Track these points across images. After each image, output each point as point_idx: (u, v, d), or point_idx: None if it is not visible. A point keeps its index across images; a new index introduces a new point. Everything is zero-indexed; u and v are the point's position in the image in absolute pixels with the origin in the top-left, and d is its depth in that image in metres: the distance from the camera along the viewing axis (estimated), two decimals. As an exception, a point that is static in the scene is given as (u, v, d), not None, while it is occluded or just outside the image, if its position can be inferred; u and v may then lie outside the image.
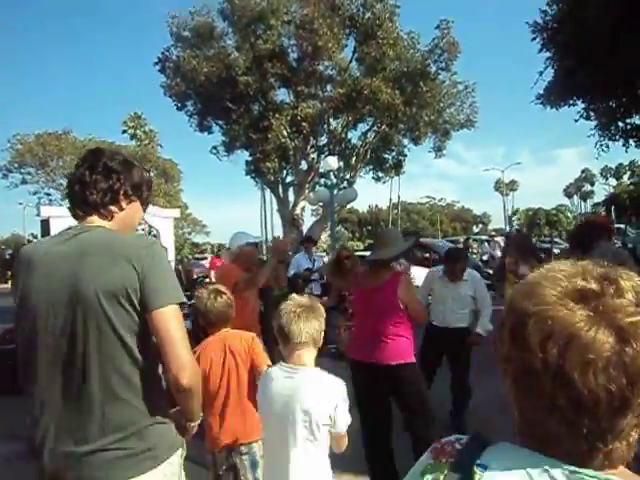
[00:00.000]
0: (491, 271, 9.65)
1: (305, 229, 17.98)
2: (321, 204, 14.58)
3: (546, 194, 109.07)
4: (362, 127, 19.20)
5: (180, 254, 26.11)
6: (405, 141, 20.10)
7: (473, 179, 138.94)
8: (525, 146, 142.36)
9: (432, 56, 17.57)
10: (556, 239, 24.11)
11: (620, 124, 13.46)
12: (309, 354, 1.97)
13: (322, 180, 12.29)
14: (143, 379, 1.49)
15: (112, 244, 1.52)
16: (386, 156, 20.43)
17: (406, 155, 20.83)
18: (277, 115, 16.76)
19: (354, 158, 18.87)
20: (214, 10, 17.62)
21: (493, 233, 25.62)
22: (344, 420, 1.90)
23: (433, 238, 33.69)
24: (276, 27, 16.57)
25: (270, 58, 16.52)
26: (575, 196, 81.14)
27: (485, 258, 16.69)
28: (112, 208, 1.65)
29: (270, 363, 2.71)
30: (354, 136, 19.46)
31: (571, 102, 13.25)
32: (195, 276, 13.42)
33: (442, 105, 18.58)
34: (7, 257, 8.84)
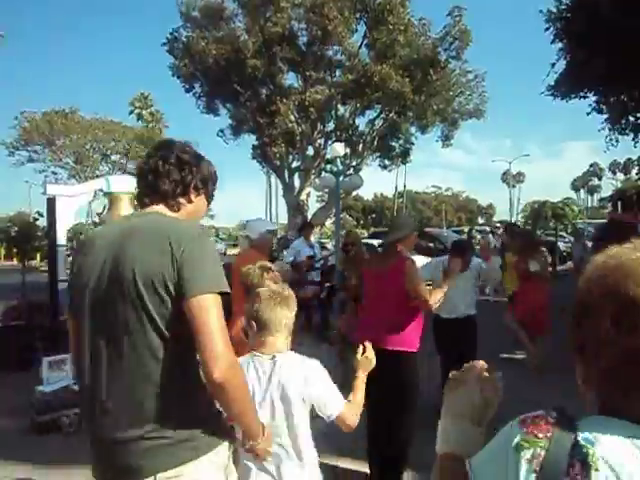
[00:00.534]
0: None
1: (310, 215, 17.96)
2: (326, 190, 14.54)
3: (553, 187, 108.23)
4: (370, 114, 19.11)
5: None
6: (413, 129, 19.99)
7: (480, 170, 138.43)
8: (533, 138, 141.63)
9: (443, 44, 17.38)
10: (561, 232, 23.99)
11: (631, 118, 13.33)
12: (285, 341, 1.91)
13: (328, 166, 12.18)
14: (183, 368, 1.46)
15: (159, 230, 1.51)
16: (393, 144, 20.31)
17: (413, 143, 20.75)
18: (285, 100, 16.66)
19: (361, 145, 18.78)
20: (224, -9, 17.46)
21: (498, 225, 25.52)
22: (335, 401, 1.85)
23: (438, 228, 33.60)
24: (286, 10, 16.41)
25: (279, 41, 16.39)
26: (582, 190, 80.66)
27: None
28: (181, 200, 1.67)
29: None
30: (362, 123, 19.38)
31: (582, 94, 13.10)
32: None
33: (451, 94, 18.43)
34: (13, 234, 8.92)
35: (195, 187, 1.69)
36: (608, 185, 68.24)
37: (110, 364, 1.46)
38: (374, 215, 65.13)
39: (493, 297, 9.01)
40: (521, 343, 5.84)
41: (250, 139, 19.52)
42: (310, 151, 18.79)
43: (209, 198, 1.79)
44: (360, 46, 17.79)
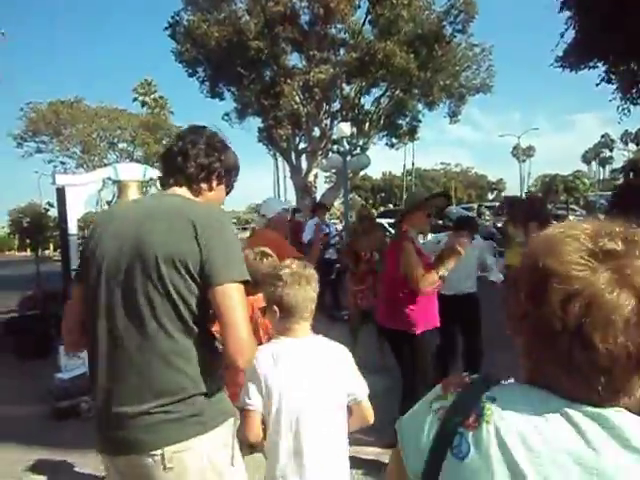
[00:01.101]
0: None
1: (318, 196, 17.93)
2: (334, 171, 14.50)
3: (563, 160, 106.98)
4: (376, 92, 18.86)
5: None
6: (419, 106, 19.73)
7: (489, 145, 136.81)
8: (542, 111, 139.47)
9: (448, 17, 17.04)
10: (572, 206, 23.77)
11: (643, 87, 13.05)
12: (308, 324, 1.88)
13: (335, 147, 12.16)
14: (197, 347, 1.48)
15: (181, 210, 1.54)
16: (400, 122, 20.08)
17: (420, 121, 20.49)
18: (289, 81, 16.50)
19: (367, 124, 18.60)
20: (224, -29, 17.19)
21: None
22: (363, 387, 1.86)
23: (448, 205, 33.32)
24: (288, -12, 16.14)
25: (282, 21, 16.16)
26: (594, 162, 79.53)
27: (499, 225, 16.58)
28: (203, 185, 1.71)
29: None
30: (367, 102, 19.16)
31: (591, 65, 12.83)
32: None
33: (458, 69, 18.13)
34: (25, 225, 8.98)
35: (219, 175, 1.73)
36: (620, 156, 67.15)
37: (123, 339, 1.48)
38: (383, 194, 64.82)
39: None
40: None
41: (255, 122, 19.43)
42: (316, 132, 18.66)
43: (229, 188, 1.82)
44: (363, 23, 17.49)
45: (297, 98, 17.15)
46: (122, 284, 1.49)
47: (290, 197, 25.46)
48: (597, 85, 13.16)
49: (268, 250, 2.76)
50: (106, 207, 5.61)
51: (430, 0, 17.15)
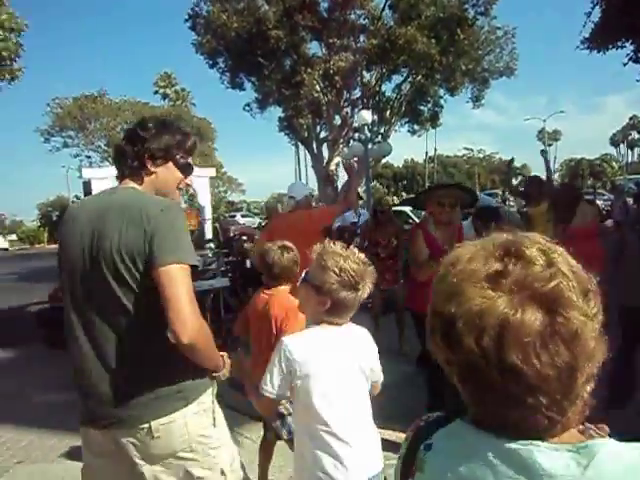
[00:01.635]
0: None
1: (340, 185, 17.89)
2: (355, 159, 14.43)
3: (591, 144, 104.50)
4: (396, 79, 18.67)
5: (216, 213, 26.51)
6: (441, 92, 19.47)
7: (513, 129, 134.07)
8: (569, 94, 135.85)
9: (470, 0, 16.70)
10: (600, 190, 23.19)
11: (671, 65, 12.62)
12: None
13: (356, 135, 12.10)
14: (164, 331, 1.52)
15: (131, 205, 1.60)
16: (422, 108, 19.88)
17: (442, 106, 20.24)
18: (309, 69, 16.43)
19: (389, 111, 18.45)
20: (242, -40, 17.13)
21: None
22: (379, 369, 1.92)
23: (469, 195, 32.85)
24: (306, -25, 16.01)
25: (300, 9, 16.06)
26: (622, 145, 77.38)
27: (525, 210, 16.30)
28: (142, 172, 1.75)
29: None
30: (388, 89, 18.98)
31: (619, 44, 12.46)
32: (232, 234, 13.61)
33: (480, 53, 17.79)
34: (54, 219, 9.23)
35: (151, 157, 1.73)
36: (650, 138, 65.25)
37: (98, 332, 1.60)
38: (405, 182, 64.27)
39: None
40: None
41: (276, 111, 19.45)
42: (337, 120, 18.58)
43: (178, 165, 1.80)
44: (383, 8, 17.28)
45: (317, 87, 17.07)
46: (88, 279, 1.61)
47: (312, 186, 25.45)
48: (625, 65, 12.77)
49: (289, 243, 2.81)
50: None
51: (451, -18, 16.83)
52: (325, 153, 19.12)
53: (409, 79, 18.21)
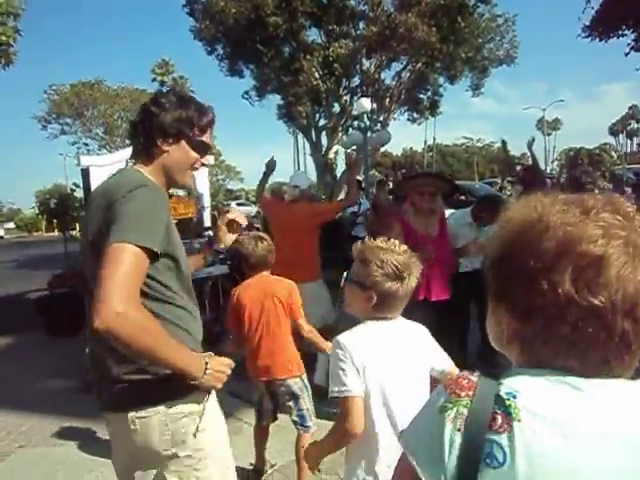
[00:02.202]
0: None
1: (339, 173, 17.85)
2: (354, 147, 14.39)
3: (590, 133, 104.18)
4: (396, 67, 18.53)
5: (215, 200, 26.48)
6: (441, 80, 19.36)
7: (512, 118, 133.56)
8: (569, 82, 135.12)
9: (471, -14, 16.54)
10: (598, 180, 23.15)
11: (672, 55, 12.56)
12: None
13: (355, 123, 12.00)
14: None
15: (109, 188, 1.50)
16: (421, 96, 19.76)
17: (442, 95, 20.11)
18: (308, 56, 16.31)
19: (388, 99, 18.34)
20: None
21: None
22: (448, 359, 1.85)
23: (470, 180, 32.93)
24: (305, -40, 15.82)
25: (300, -5, 15.90)
26: (621, 134, 77.15)
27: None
28: (152, 151, 1.61)
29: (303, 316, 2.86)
30: (388, 76, 18.85)
31: (620, 33, 12.37)
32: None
33: (480, 41, 17.67)
34: (52, 206, 9.17)
35: (162, 134, 1.58)
36: (649, 128, 65.08)
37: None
38: (404, 171, 64.08)
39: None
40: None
41: (275, 99, 19.33)
42: (336, 108, 18.49)
43: (194, 145, 1.64)
44: (383, -5, 17.11)
45: (316, 74, 16.96)
46: (85, 267, 1.60)
47: (310, 174, 25.37)
48: (626, 55, 12.70)
49: (263, 234, 2.93)
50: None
51: (452, -31, 16.64)
52: (324, 141, 19.06)
53: (409, 67, 18.09)
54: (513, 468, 0.65)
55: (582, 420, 0.66)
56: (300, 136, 25.21)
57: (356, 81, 18.26)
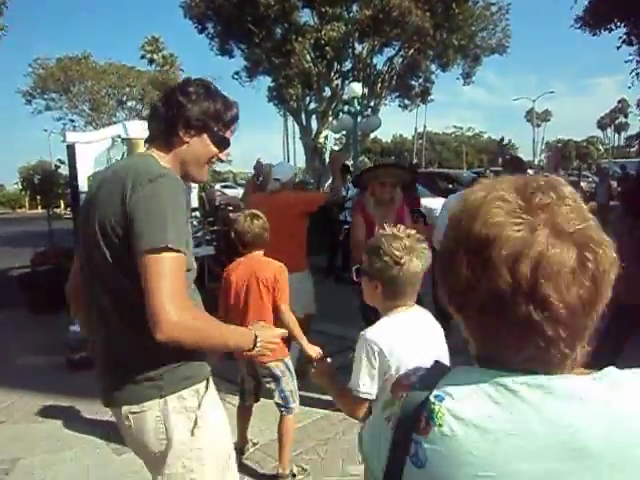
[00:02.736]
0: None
1: (327, 158, 17.78)
2: (344, 132, 14.34)
3: (579, 126, 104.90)
4: (388, 52, 18.40)
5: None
6: (433, 67, 19.29)
7: (503, 109, 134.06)
8: (559, 75, 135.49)
9: (466, -27, 16.42)
10: (585, 172, 23.39)
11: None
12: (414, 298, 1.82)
13: (346, 107, 11.95)
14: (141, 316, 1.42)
15: (121, 173, 1.46)
16: (412, 83, 19.71)
17: (433, 82, 20.08)
18: (300, 38, 16.13)
19: (379, 85, 18.24)
20: None
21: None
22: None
23: (458, 169, 33.05)
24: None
25: (293, -25, 15.68)
26: (609, 128, 77.80)
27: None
28: (172, 140, 1.57)
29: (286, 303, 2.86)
30: (380, 62, 18.73)
31: (612, 26, 12.41)
32: (217, 204, 13.57)
33: (474, 29, 17.59)
34: (36, 183, 9.01)
35: (186, 125, 1.55)
36: (637, 123, 65.68)
37: (92, 304, 1.56)
38: (393, 157, 64.07)
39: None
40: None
41: (266, 81, 19.13)
42: (327, 92, 18.35)
43: (215, 138, 1.61)
44: (378, -22, 16.91)
45: (308, 57, 16.80)
46: (87, 254, 1.53)
47: (300, 158, 25.29)
48: (618, 48, 12.77)
49: (258, 212, 2.90)
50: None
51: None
52: (314, 125, 18.95)
53: (401, 53, 17.98)
54: (432, 471, 0.67)
55: (506, 425, 0.65)
56: (290, 119, 25.04)
57: (348, 65, 18.14)
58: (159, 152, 1.57)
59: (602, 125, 77.70)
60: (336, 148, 21.04)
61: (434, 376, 0.74)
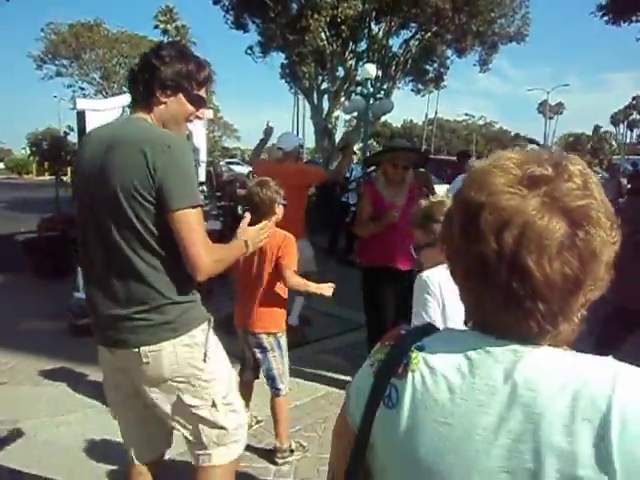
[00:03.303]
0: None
1: (337, 139, 17.65)
2: (355, 114, 14.20)
3: (592, 120, 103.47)
4: (405, 34, 18.09)
5: (211, 156, 26.26)
6: (449, 52, 18.98)
7: (516, 99, 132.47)
8: (575, 67, 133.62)
9: (489, -43, 16.05)
10: (595, 168, 23.18)
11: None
12: None
13: (359, 89, 11.79)
14: (164, 265, 1.66)
15: (138, 140, 1.60)
16: (427, 67, 19.41)
17: (449, 67, 19.76)
18: (316, 15, 15.83)
19: (393, 67, 17.99)
20: None
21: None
22: None
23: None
24: None
25: (312, -50, 15.36)
26: (622, 124, 76.87)
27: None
28: (151, 101, 1.71)
29: (296, 268, 2.85)
30: (395, 44, 18.42)
31: (634, 19, 12.17)
32: (225, 179, 13.52)
33: (493, 15, 17.23)
34: (45, 148, 8.97)
35: (161, 86, 1.68)
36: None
37: (105, 258, 1.69)
38: (404, 140, 63.49)
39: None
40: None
41: (279, 58, 18.88)
42: (340, 72, 18.10)
43: (191, 98, 1.75)
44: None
45: (323, 35, 16.53)
46: (94, 213, 1.68)
47: (309, 138, 25.09)
48: (638, 40, 12.53)
49: (265, 178, 2.93)
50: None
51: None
52: (325, 105, 18.73)
53: (417, 36, 17.68)
54: (400, 411, 0.72)
55: (472, 380, 0.68)
56: (301, 97, 24.79)
57: (363, 46, 17.82)
58: (144, 114, 1.71)
59: (615, 121, 76.75)
60: (344, 130, 20.83)
61: (423, 331, 0.78)
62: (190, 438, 1.83)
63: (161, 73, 1.67)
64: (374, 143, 54.60)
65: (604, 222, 0.66)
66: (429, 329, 0.79)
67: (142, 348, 1.68)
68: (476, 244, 0.67)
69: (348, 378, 3.80)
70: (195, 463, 1.86)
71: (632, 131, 76.68)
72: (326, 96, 18.60)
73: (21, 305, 5.57)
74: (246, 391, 3.13)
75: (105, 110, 5.56)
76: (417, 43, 17.77)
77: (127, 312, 1.68)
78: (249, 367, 3.07)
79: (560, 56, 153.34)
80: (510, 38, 18.75)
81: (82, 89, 31.38)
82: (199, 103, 1.79)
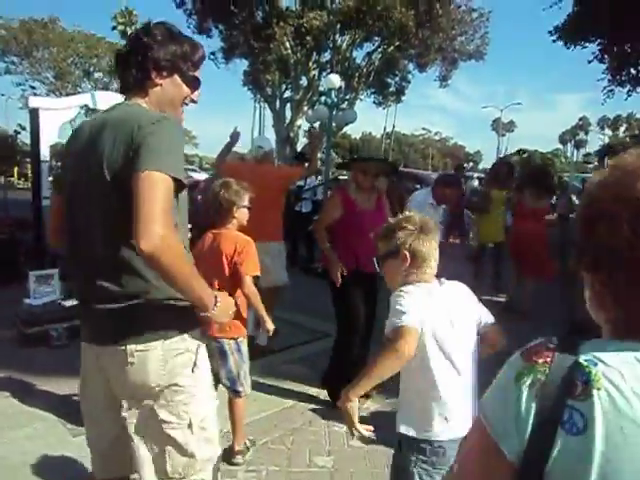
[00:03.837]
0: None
1: (299, 148, 17.67)
2: (318, 123, 14.23)
3: (542, 138, 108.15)
4: (368, 47, 18.38)
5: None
6: (410, 67, 19.42)
7: (470, 115, 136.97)
8: (528, 87, 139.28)
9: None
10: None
11: (632, 70, 13.16)
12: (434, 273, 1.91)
13: (322, 98, 11.83)
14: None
15: (126, 119, 1.49)
16: (389, 80, 19.78)
17: (410, 81, 20.22)
18: (281, 23, 15.86)
19: (356, 79, 18.21)
20: None
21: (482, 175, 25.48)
22: (488, 312, 1.90)
23: (424, 171, 33.49)
24: None
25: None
26: (569, 144, 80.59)
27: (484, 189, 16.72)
28: (146, 84, 1.62)
29: (258, 274, 2.78)
30: (359, 56, 18.69)
31: (586, 42, 12.79)
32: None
33: (454, 32, 17.76)
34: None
35: (156, 67, 1.60)
36: (596, 140, 68.36)
37: (92, 244, 1.55)
38: (361, 154, 64.41)
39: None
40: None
41: (242, 64, 18.79)
42: (304, 81, 18.18)
43: (186, 79, 1.67)
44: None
45: (288, 44, 16.56)
46: (85, 200, 1.55)
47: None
48: (589, 62, 13.16)
49: (230, 180, 2.84)
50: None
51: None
52: (288, 114, 18.73)
53: (380, 49, 17.98)
54: (593, 435, 0.64)
55: None
56: (263, 106, 24.72)
57: (327, 56, 18.00)
58: (139, 98, 1.62)
59: (563, 140, 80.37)
60: (306, 140, 20.93)
61: (572, 344, 0.70)
62: (152, 466, 1.62)
63: (155, 52, 1.58)
64: (334, 154, 55.05)
65: None
66: (574, 340, 0.72)
67: (129, 346, 1.53)
68: None
69: (314, 389, 3.72)
70: None
71: (578, 150, 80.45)
72: (289, 105, 18.64)
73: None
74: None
75: (60, 109, 5.29)
76: (380, 56, 18.08)
77: (117, 305, 1.53)
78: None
79: (514, 75, 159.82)
80: (470, 55, 19.38)
81: (33, 87, 30.26)
82: (195, 84, 1.71)
